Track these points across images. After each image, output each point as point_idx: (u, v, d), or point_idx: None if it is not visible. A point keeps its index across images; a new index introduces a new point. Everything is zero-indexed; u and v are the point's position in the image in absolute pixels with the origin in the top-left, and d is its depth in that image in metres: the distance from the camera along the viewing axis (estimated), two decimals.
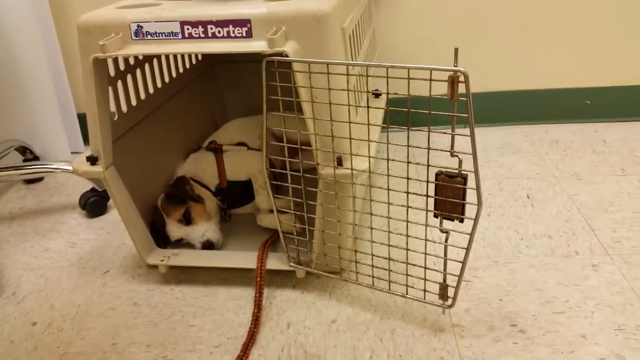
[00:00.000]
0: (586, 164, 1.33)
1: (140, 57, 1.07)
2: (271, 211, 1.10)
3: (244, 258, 0.96)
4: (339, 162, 0.80)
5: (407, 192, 0.75)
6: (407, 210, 0.77)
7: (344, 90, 0.76)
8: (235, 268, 0.97)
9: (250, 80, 1.48)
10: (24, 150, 1.44)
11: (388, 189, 0.77)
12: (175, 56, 1.24)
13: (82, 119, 1.59)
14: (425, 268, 0.80)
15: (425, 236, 0.77)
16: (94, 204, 1.25)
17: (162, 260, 0.98)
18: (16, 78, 1.43)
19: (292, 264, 0.93)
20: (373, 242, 0.82)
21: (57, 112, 1.50)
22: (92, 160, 0.89)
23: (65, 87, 1.56)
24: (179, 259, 0.98)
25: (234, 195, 1.14)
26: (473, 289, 0.91)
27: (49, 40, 1.49)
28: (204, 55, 1.40)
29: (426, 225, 0.76)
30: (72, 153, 1.55)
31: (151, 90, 1.12)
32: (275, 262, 0.94)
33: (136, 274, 1.03)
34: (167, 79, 1.19)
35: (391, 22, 1.50)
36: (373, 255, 0.83)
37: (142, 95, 1.08)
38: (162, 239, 1.05)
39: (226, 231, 1.09)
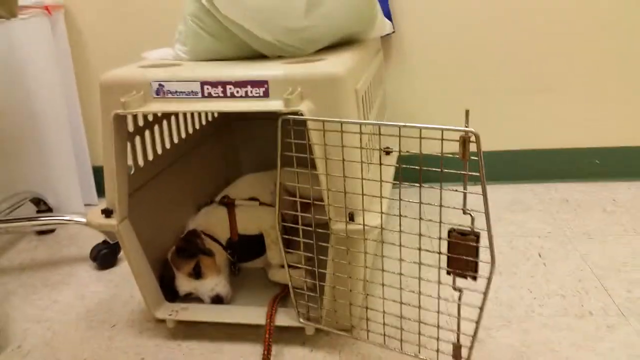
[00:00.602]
0: (597, 223, 1.33)
1: (159, 114, 1.10)
2: (283, 266, 1.10)
3: (253, 313, 0.95)
4: (351, 218, 0.81)
5: (420, 249, 0.75)
6: (420, 267, 0.77)
7: (356, 147, 0.78)
8: (242, 324, 0.96)
9: (263, 137, 1.51)
10: (38, 201, 1.46)
11: (400, 245, 0.77)
12: (192, 114, 1.27)
13: (96, 172, 1.62)
14: (438, 327, 0.79)
15: (438, 294, 0.77)
16: (105, 256, 1.26)
17: (171, 315, 0.97)
18: (35, 130, 1.48)
19: (301, 320, 0.92)
20: (385, 299, 0.81)
21: (72, 165, 1.54)
22: (107, 213, 0.90)
23: (82, 141, 1.60)
24: (188, 313, 0.98)
25: (245, 249, 1.14)
26: (486, 349, 0.89)
27: (69, 95, 1.54)
28: (220, 113, 1.44)
29: (439, 282, 0.76)
30: (86, 205, 1.58)
31: (168, 146, 1.15)
32: (284, 318, 0.93)
33: (144, 328, 1.02)
34: (183, 135, 1.22)
35: (400, 84, 1.55)
36: (384, 312, 0.82)
37: (159, 151, 1.11)
38: (170, 293, 1.04)
39: (236, 285, 1.09)
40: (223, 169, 1.48)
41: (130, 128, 0.98)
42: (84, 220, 1.27)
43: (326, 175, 0.79)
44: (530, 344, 0.90)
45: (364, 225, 0.78)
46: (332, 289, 0.86)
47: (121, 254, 1.30)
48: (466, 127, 0.67)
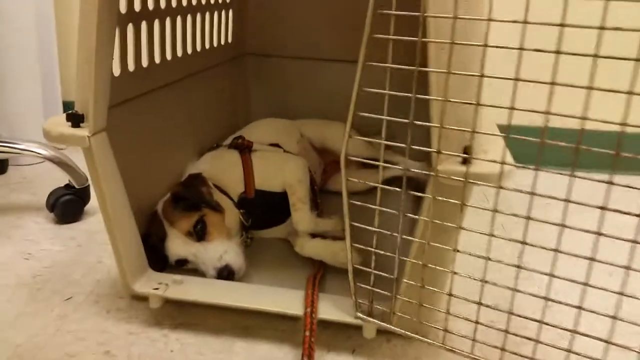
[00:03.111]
0: None
1: (162, 6, 0.78)
2: (315, 235, 0.79)
3: (283, 298, 0.64)
4: (465, 159, 0.50)
5: (603, 208, 0.45)
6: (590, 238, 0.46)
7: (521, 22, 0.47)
8: (265, 312, 0.64)
9: (282, 80, 1.19)
10: None
11: (566, 201, 0.46)
12: (203, 25, 0.95)
13: (67, 108, 1.28)
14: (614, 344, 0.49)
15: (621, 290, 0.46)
16: (67, 204, 0.92)
17: (157, 289, 0.65)
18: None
19: (359, 314, 0.60)
20: (515, 290, 0.50)
21: (37, 90, 1.21)
22: (75, 119, 0.58)
23: (53, 66, 1.27)
24: (182, 289, 0.65)
25: (263, 211, 0.83)
26: None
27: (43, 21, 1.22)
28: (234, 42, 1.12)
29: (629, 268, 0.45)
30: None
31: (168, 56, 0.83)
32: (330, 310, 0.62)
33: (114, 307, 0.70)
34: (189, 49, 0.90)
35: None
36: (512, 314, 0.51)
37: (157, 58, 0.79)
38: (156, 260, 0.72)
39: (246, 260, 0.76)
40: (231, 111, 1.15)
41: (123, 8, 0.66)
42: (45, 152, 0.94)
43: (447, 74, 0.47)
44: None
45: (503, 162, 0.47)
46: (420, 268, 0.55)
47: (89, 206, 0.97)
48: None
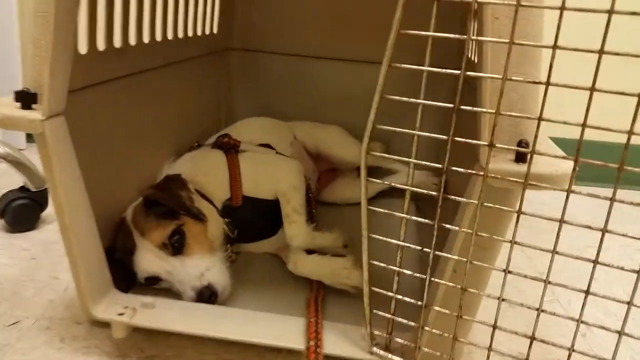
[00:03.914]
0: None
1: None
2: (310, 251, 0.68)
3: (279, 327, 0.52)
4: (519, 157, 0.40)
5: None
6: None
7: None
8: (255, 344, 0.53)
9: (267, 77, 1.08)
10: None
11: None
12: (186, 9, 0.84)
13: None
14: None
15: None
16: (20, 209, 0.79)
17: (122, 315, 0.52)
18: None
19: (376, 349, 0.49)
20: (584, 323, 0.40)
21: None
22: (26, 99, 0.46)
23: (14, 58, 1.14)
24: (153, 314, 0.53)
25: (251, 221, 0.71)
26: None
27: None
28: (220, 34, 1.01)
29: None
30: None
31: (146, 39, 0.71)
32: (339, 343, 0.50)
33: (69, 334, 0.57)
34: (169, 35, 0.79)
35: None
36: (575, 351, 0.41)
37: (132, 39, 0.67)
38: (122, 278, 0.60)
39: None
40: (214, 107, 1.04)
41: None
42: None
43: (510, 44, 0.37)
44: None
45: (576, 159, 0.37)
46: (454, 292, 0.44)
47: (46, 212, 0.84)
48: None
